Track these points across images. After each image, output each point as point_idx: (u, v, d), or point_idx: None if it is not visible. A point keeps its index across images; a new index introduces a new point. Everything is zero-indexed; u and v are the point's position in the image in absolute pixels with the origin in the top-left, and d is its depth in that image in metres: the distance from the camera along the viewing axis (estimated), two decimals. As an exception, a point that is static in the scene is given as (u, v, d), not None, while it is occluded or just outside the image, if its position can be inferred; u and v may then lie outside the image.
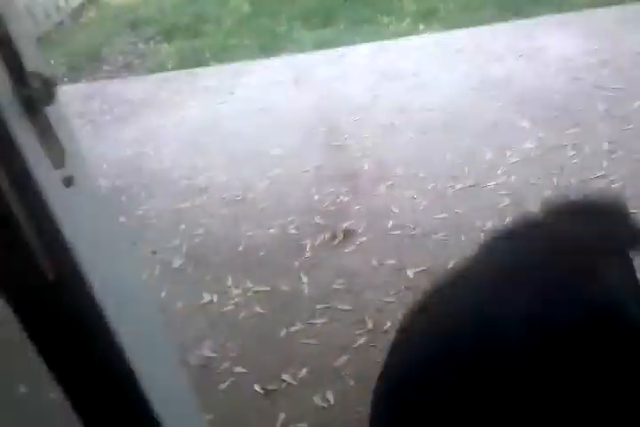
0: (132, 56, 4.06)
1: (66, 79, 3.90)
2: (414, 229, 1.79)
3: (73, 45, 4.35)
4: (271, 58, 3.51)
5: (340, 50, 3.31)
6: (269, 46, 3.75)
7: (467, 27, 3.21)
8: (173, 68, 3.67)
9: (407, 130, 2.36)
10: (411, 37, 3.26)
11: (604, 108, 2.17)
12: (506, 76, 2.56)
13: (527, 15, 3.18)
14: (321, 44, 3.59)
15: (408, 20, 3.61)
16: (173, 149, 2.61)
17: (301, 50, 3.60)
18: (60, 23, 4.79)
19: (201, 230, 2.01)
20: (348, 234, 1.84)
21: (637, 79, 2.33)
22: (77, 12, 4.99)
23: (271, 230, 1.93)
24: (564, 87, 2.32)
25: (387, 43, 3.27)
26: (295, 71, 3.17)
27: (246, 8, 4.38)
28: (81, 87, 3.49)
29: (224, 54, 3.75)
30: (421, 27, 3.50)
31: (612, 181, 1.77)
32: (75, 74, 3.96)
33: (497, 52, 2.78)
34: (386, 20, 3.68)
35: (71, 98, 3.33)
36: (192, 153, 2.55)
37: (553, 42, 2.73)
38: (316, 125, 2.54)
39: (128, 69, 3.89)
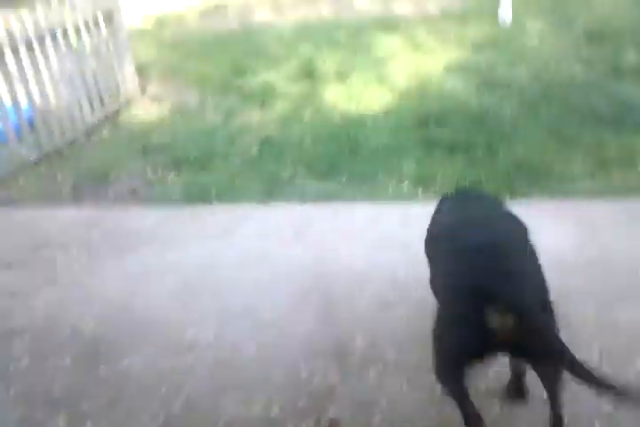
0: (140, 183, 4.19)
1: (69, 199, 4.01)
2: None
3: (82, 164, 4.50)
4: (273, 204, 3.63)
5: (341, 207, 3.44)
6: (273, 191, 3.90)
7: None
8: (178, 202, 3.78)
9: (401, 306, 2.39)
10: (410, 204, 3.40)
11: (594, 313, 2.23)
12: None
13: (522, 197, 3.37)
14: (322, 196, 3.74)
15: (407, 182, 3.81)
16: (165, 293, 2.61)
17: (303, 199, 3.74)
18: (74, 141, 4.99)
19: (182, 397, 1.94)
20: (333, 424, 1.79)
21: (626, 283, 2.42)
22: (92, 130, 5.22)
23: (254, 408, 1.87)
24: (555, 285, 2.40)
25: (386, 206, 3.41)
26: (295, 223, 3.27)
27: (254, 149, 4.61)
28: (83, 213, 3.55)
29: (228, 194, 3.87)
30: (420, 191, 3.69)
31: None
32: (79, 194, 4.06)
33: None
34: (386, 179, 3.87)
35: (72, 223, 3.39)
36: (184, 301, 2.54)
37: (545, 230, 2.85)
38: (310, 287, 2.57)
39: (133, 196, 4.00)
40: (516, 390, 1.82)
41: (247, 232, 3.18)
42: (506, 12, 7.05)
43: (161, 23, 10.12)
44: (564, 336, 1.46)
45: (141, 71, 6.50)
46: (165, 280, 2.69)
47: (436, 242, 1.96)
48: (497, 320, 1.40)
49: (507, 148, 3.95)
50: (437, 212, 2.16)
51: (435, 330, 1.65)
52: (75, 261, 2.94)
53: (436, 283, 1.85)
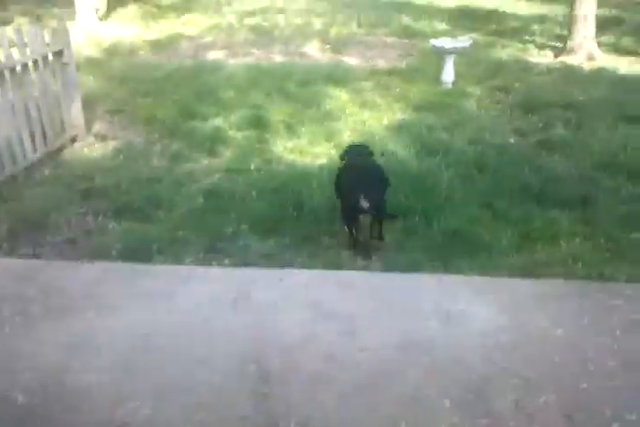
0: (79, 231, 4.15)
1: (4, 245, 3.92)
2: None
3: (20, 206, 4.40)
4: (214, 265, 3.67)
5: (281, 272, 3.52)
6: (215, 247, 3.95)
7: (401, 270, 3.53)
8: (118, 256, 3.77)
9: (335, 384, 2.48)
10: (351, 272, 3.52)
11: (514, 399, 2.39)
12: (429, 339, 2.80)
13: (455, 270, 3.56)
14: (264, 256, 3.82)
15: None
16: (101, 363, 2.59)
17: (245, 258, 3.80)
18: (13, 177, 4.88)
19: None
20: None
21: (545, 367, 2.60)
22: (33, 168, 5.13)
23: None
24: (480, 367, 2.55)
25: (327, 273, 3.52)
26: (235, 287, 3.33)
27: (199, 200, 4.65)
28: (18, 264, 3.49)
29: (170, 248, 3.89)
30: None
31: None
32: (15, 240, 3.98)
33: (424, 309, 3.05)
34: (328, 242, 4.00)
35: (6, 275, 3.32)
36: (119, 373, 2.53)
37: (474, 309, 3.03)
38: (247, 361, 2.62)
39: (71, 246, 3.95)
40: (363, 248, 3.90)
41: (186, 296, 3.20)
42: (448, 75, 7.44)
43: (112, 52, 10.08)
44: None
45: (88, 106, 6.46)
46: (101, 349, 2.68)
47: (339, 175, 4.07)
48: (364, 203, 3.54)
49: (442, 217, 4.15)
50: (341, 159, 4.23)
51: (342, 209, 3.91)
52: (5, 320, 2.88)
53: (340, 192, 3.98)
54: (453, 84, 7.48)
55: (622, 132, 5.71)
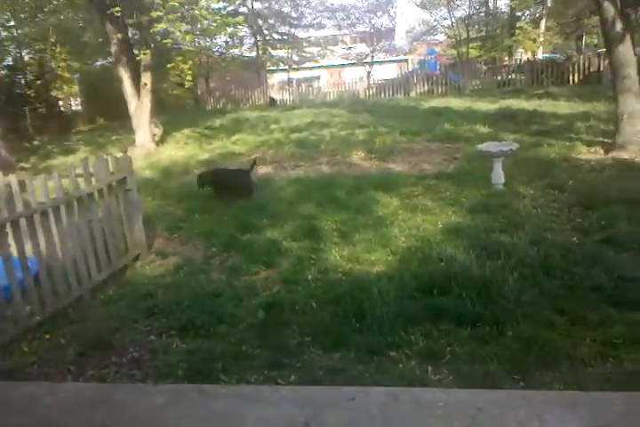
0: (143, 350, 4.12)
1: (71, 368, 3.91)
2: None
3: (86, 327, 4.45)
4: (281, 384, 3.54)
5: (352, 390, 3.35)
6: (279, 361, 3.82)
7: (477, 384, 3.31)
8: (183, 375, 3.69)
9: None
10: (427, 389, 3.32)
11: None
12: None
13: (534, 381, 3.32)
14: (330, 371, 3.67)
15: (417, 358, 3.76)
16: None
17: (310, 373, 3.65)
18: (79, 298, 4.99)
19: None
20: None
21: None
22: (98, 288, 5.25)
23: None
24: None
25: (400, 391, 3.32)
26: (305, 409, 3.16)
27: (260, 313, 4.61)
28: (84, 388, 3.44)
29: (235, 365, 3.79)
30: (429, 369, 3.63)
31: None
32: (81, 362, 3.97)
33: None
34: (395, 355, 3.83)
35: (72, 400, 3.26)
36: None
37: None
38: None
39: (137, 365, 3.91)
40: None
41: (255, 421, 3.04)
42: (498, 176, 7.49)
43: (168, 172, 10.64)
44: None
45: (148, 225, 6.71)
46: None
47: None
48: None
49: (514, 324, 3.96)
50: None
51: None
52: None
53: None
54: (505, 185, 7.50)
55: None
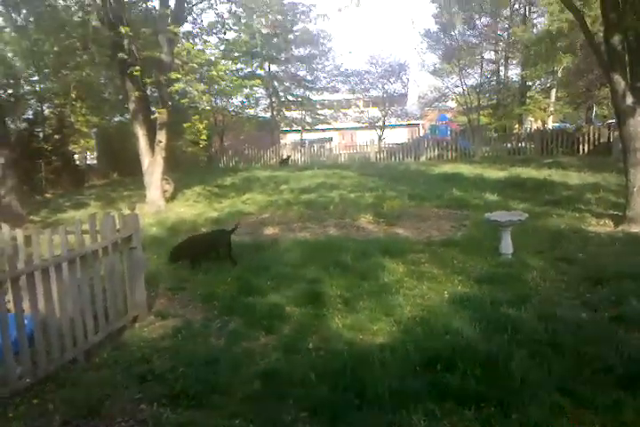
0: (132, 420, 3.95)
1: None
2: None
3: (76, 392, 4.29)
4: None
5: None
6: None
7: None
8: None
9: None
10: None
11: None
12: None
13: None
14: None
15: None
16: None
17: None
18: (73, 361, 4.85)
19: None
20: None
21: None
22: (93, 350, 5.12)
23: None
24: None
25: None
26: None
27: (257, 383, 4.45)
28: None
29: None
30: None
31: None
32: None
33: None
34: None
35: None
36: None
37: None
38: None
39: None
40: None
41: None
42: (506, 246, 7.41)
43: (176, 230, 10.64)
44: None
45: (151, 284, 6.64)
46: None
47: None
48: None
49: (520, 405, 3.78)
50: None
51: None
52: None
53: None
54: (513, 255, 7.41)
55: None
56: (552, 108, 31.57)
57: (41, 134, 21.90)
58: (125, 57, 13.56)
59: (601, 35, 10.09)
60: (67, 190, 18.67)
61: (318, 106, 37.58)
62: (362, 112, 39.87)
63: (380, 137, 36.65)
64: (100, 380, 4.51)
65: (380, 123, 38.38)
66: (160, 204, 14.01)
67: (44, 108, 22.55)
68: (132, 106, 14.77)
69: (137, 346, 5.27)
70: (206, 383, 4.41)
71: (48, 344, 4.70)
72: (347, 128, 44.22)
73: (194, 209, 13.42)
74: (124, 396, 4.28)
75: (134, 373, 4.65)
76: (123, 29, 12.88)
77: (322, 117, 37.47)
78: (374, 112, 39.61)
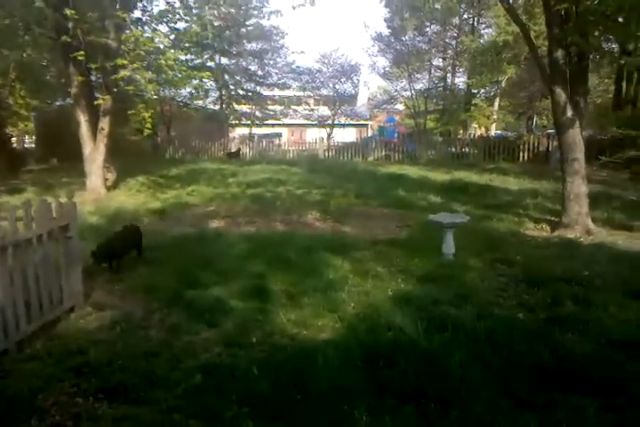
0: (66, 414, 3.81)
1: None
2: None
3: (7, 385, 4.11)
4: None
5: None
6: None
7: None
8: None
9: None
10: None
11: None
12: None
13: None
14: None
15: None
16: None
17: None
18: (4, 352, 4.64)
19: None
20: None
21: None
22: (26, 341, 4.90)
23: None
24: None
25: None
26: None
27: (198, 377, 4.37)
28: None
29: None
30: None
31: None
32: (-5, 426, 3.63)
33: None
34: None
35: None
36: None
37: None
38: None
39: None
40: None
41: None
42: (448, 247, 7.56)
43: (116, 219, 10.34)
44: None
45: (88, 275, 6.42)
46: None
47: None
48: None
49: (459, 403, 3.86)
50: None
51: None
52: None
53: None
54: (454, 255, 7.57)
55: (634, 309, 5.62)
56: (495, 117, 32.47)
57: (-24, 114, 20.89)
58: (69, 40, 13.06)
59: (545, 49, 10.45)
60: (1, 174, 17.86)
61: (268, 101, 37.35)
62: (312, 110, 39.87)
63: (328, 135, 36.76)
64: (32, 372, 4.33)
65: (330, 121, 38.50)
66: (101, 192, 13.61)
67: (-19, 88, 21.52)
68: (74, 91, 14.26)
69: (72, 337, 5.08)
70: (145, 377, 4.31)
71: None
72: (296, 124, 44.15)
73: (136, 199, 13.09)
74: (58, 389, 4.12)
75: (69, 365, 4.48)
76: (68, 12, 12.40)
77: (272, 113, 37.26)
78: (324, 110, 39.70)
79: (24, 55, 17.09)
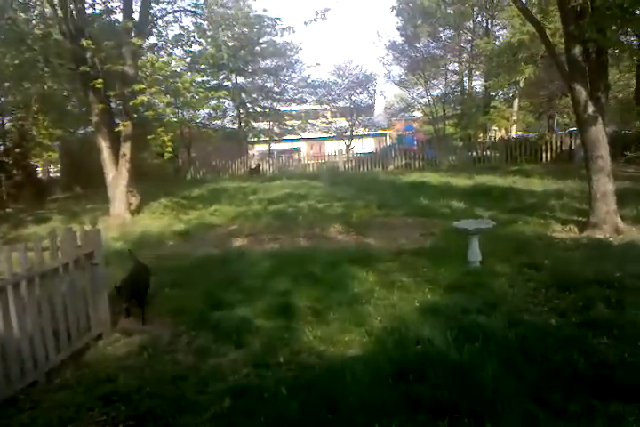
0: None
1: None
2: None
3: (37, 415, 4.12)
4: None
5: None
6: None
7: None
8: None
9: None
10: None
11: None
12: None
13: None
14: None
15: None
16: None
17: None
18: (33, 383, 4.66)
19: None
20: None
21: None
22: (55, 371, 4.93)
23: None
24: None
25: None
26: None
27: (227, 401, 4.33)
28: None
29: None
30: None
31: None
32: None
33: None
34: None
35: None
36: None
37: None
38: None
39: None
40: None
41: None
42: (475, 254, 7.43)
43: (141, 243, 10.43)
44: None
45: (115, 300, 6.45)
46: None
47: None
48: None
49: (493, 416, 3.75)
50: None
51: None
52: None
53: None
54: (481, 262, 7.43)
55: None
56: (515, 118, 32.11)
57: (1, 148, 21.38)
58: (88, 69, 13.34)
59: (561, 46, 10.30)
60: (28, 205, 18.21)
61: (286, 117, 37.55)
62: (329, 122, 39.97)
63: (348, 147, 36.77)
64: (62, 402, 4.34)
65: (348, 133, 38.55)
66: (125, 217, 13.75)
67: (5, 121, 22.06)
68: (95, 118, 14.51)
69: (101, 365, 5.10)
70: (174, 402, 4.28)
71: (6, 368, 4.49)
72: (315, 138, 44.29)
73: (160, 221, 13.20)
74: (87, 418, 4.12)
75: (98, 393, 4.48)
76: (85, 42, 12.67)
77: (290, 128, 37.44)
78: (342, 122, 39.77)
79: (45, 87, 17.47)
